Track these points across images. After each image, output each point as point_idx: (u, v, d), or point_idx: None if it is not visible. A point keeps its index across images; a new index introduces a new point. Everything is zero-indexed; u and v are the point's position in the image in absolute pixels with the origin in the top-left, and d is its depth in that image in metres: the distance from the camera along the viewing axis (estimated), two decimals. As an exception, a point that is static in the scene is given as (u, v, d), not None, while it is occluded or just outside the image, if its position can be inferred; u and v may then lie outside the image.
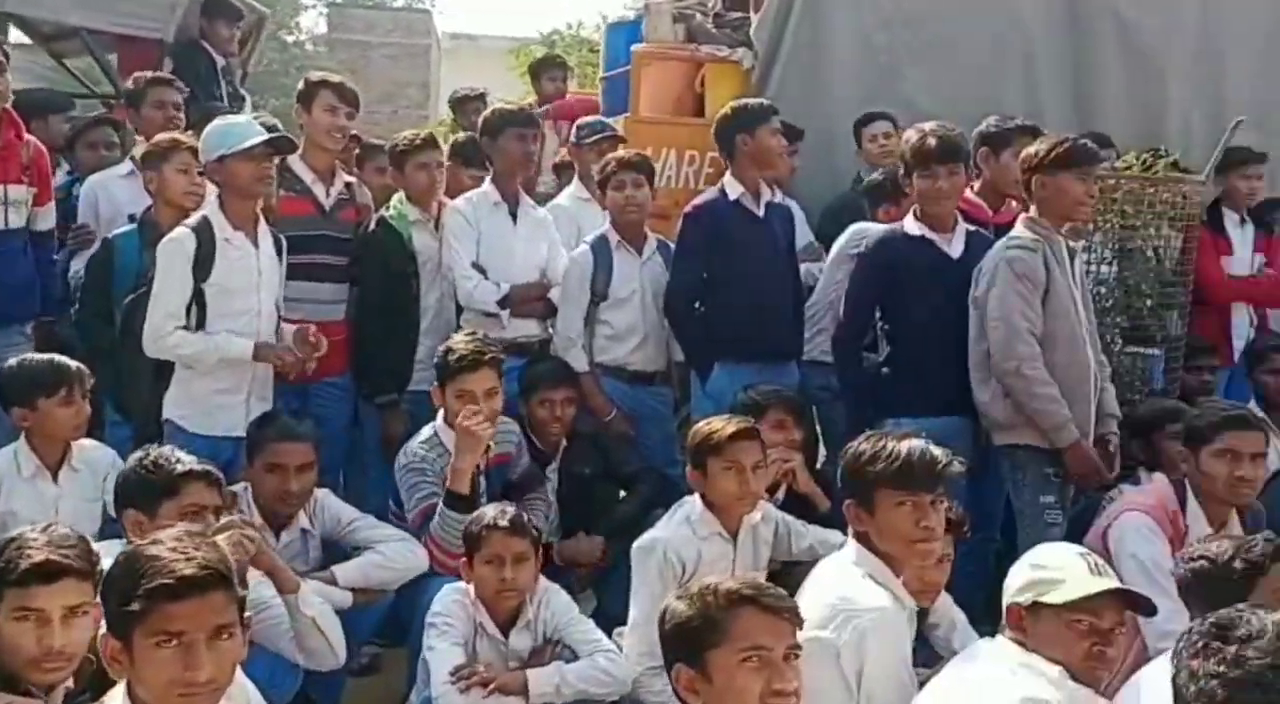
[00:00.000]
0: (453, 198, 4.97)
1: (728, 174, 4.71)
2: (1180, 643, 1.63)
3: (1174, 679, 1.61)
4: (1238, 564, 2.86)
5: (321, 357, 4.25)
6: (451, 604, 3.40)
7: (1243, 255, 5.83)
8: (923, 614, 3.24)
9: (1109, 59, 6.17)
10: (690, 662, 2.28)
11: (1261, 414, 4.50)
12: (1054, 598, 2.60)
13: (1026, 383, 3.93)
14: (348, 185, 4.82)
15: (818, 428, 4.83)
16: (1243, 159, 5.76)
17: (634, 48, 6.36)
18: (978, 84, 5.94)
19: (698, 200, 4.77)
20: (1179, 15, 6.26)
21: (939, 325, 4.17)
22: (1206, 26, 6.27)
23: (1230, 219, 5.87)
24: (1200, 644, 1.58)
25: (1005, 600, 2.71)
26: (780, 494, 4.14)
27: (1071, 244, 4.15)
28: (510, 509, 3.48)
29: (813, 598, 2.90)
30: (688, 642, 2.29)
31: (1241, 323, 5.78)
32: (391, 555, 3.79)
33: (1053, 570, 2.67)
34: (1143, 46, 6.19)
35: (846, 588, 2.87)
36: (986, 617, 3.33)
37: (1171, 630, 3.07)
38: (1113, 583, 2.68)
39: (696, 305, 4.67)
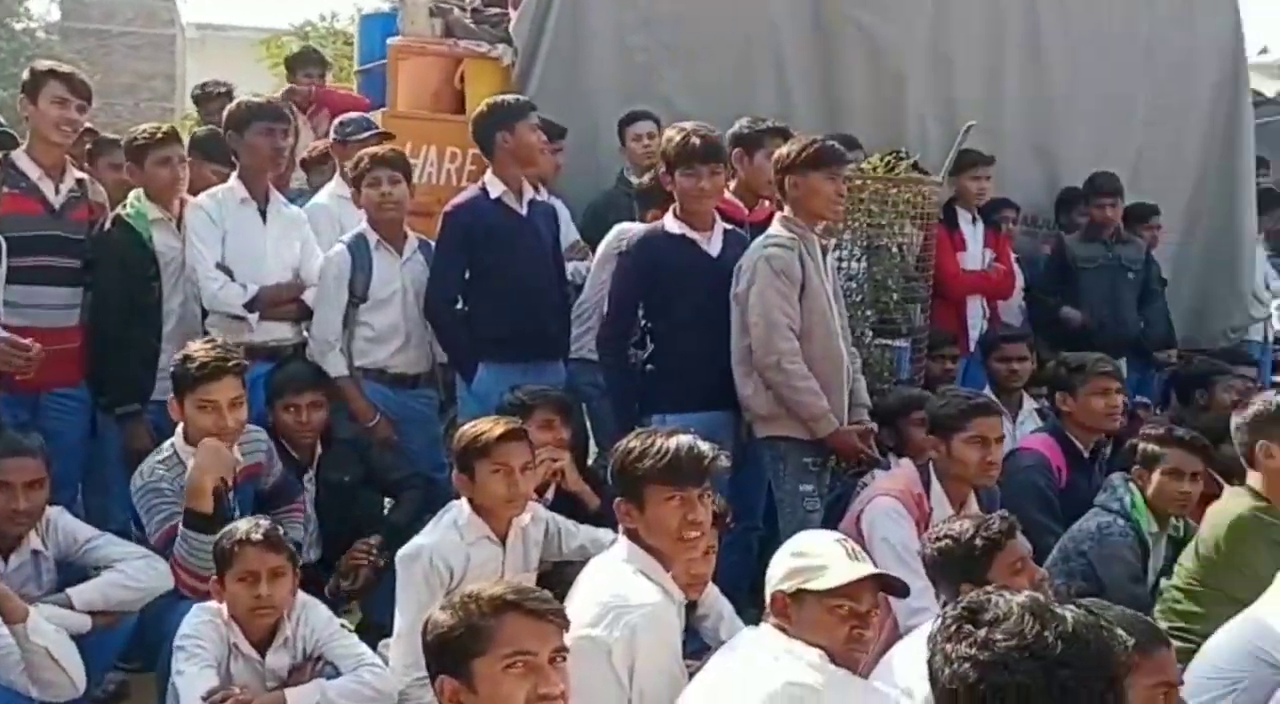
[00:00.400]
0: (195, 196, 4.72)
1: (489, 172, 4.65)
2: (934, 627, 1.69)
3: (930, 662, 1.66)
4: (978, 542, 3.02)
5: (47, 364, 3.95)
6: (201, 625, 3.21)
7: (975, 251, 6.25)
8: (691, 606, 3.29)
9: (853, 64, 6.43)
10: (454, 672, 2.23)
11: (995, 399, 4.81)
12: (817, 585, 2.67)
13: (787, 376, 4.05)
14: (79, 182, 4.50)
15: (588, 426, 4.84)
16: (973, 161, 6.16)
17: (390, 41, 6.21)
18: (732, 86, 6.08)
19: (458, 198, 4.70)
20: (913, 24, 6.58)
21: (700, 322, 4.24)
22: (937, 35, 6.63)
23: (963, 217, 6.27)
24: (953, 628, 1.63)
25: (768, 589, 2.77)
26: (550, 494, 4.12)
27: (824, 241, 4.30)
28: (264, 522, 3.31)
29: (585, 597, 2.91)
30: (451, 652, 2.24)
31: (975, 314, 6.19)
32: (133, 574, 3.56)
33: (814, 558, 2.74)
34: (882, 53, 6.47)
35: (618, 585, 2.88)
36: (752, 604, 3.41)
37: (921, 608, 3.27)
38: (870, 568, 2.78)
39: (459, 305, 4.60)
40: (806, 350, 4.10)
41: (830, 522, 3.96)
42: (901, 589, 2.82)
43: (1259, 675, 2.94)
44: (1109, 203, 6.46)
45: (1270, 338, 7.55)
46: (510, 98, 4.84)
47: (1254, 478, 3.74)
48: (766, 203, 4.66)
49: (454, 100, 6.15)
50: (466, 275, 4.58)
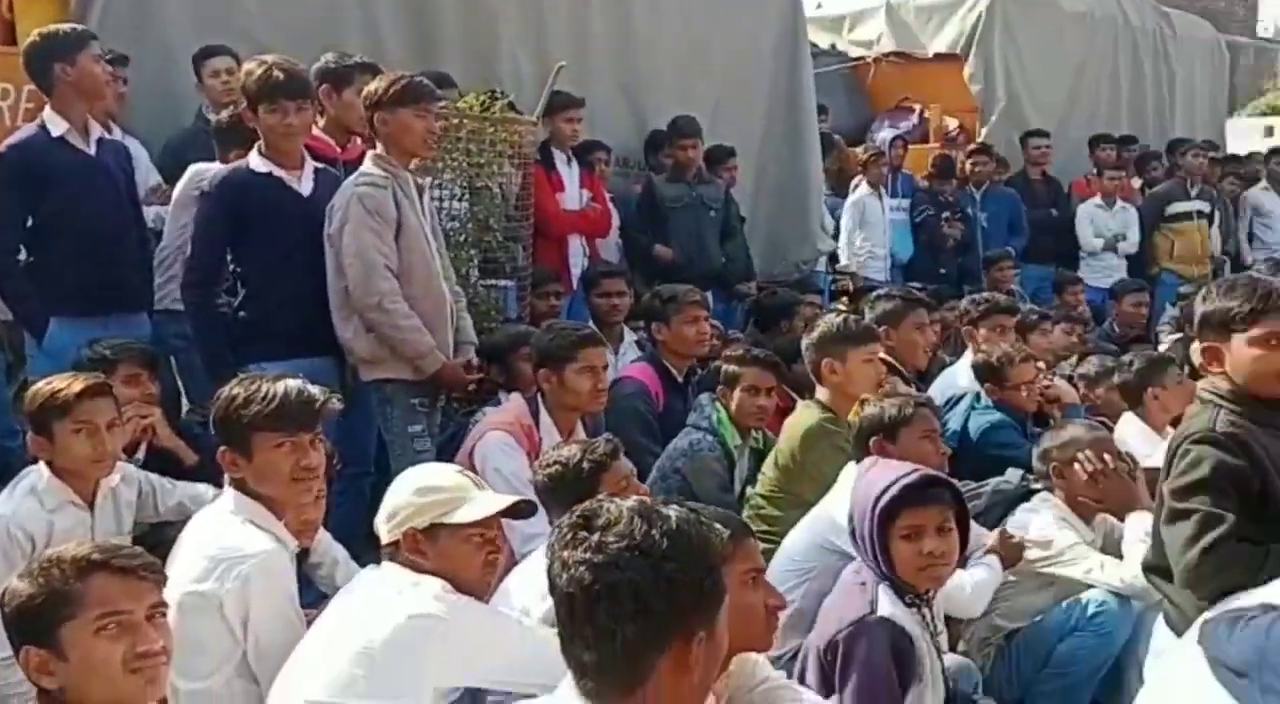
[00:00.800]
0: None
1: (48, 108, 4.25)
2: (552, 537, 1.75)
3: (549, 571, 1.72)
4: (585, 464, 3.15)
5: None
6: None
7: (572, 192, 6.45)
8: (304, 556, 3.21)
9: (445, 1, 6.37)
10: (40, 642, 2.08)
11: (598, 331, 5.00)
12: (461, 517, 2.67)
13: (389, 316, 4.01)
14: None
15: (178, 380, 4.57)
16: (565, 103, 6.31)
17: (-86, -38, 5.45)
18: (317, 20, 5.87)
19: (12, 138, 4.29)
20: (503, -39, 6.62)
21: (294, 265, 4.11)
22: (526, -27, 6.71)
23: (559, 158, 6.43)
24: (569, 536, 1.71)
25: (390, 528, 2.72)
26: (141, 453, 3.87)
27: (419, 180, 4.26)
28: None
29: (191, 552, 2.81)
30: (34, 621, 2.09)
31: (577, 253, 6.40)
32: None
33: (446, 492, 2.73)
34: (473, -10, 6.47)
35: (226, 537, 2.80)
36: (368, 549, 3.36)
37: (535, 534, 3.37)
38: (512, 497, 2.84)
39: (22, 256, 4.20)
40: (407, 290, 4.07)
41: (443, 460, 3.97)
42: (529, 510, 2.89)
43: (827, 562, 3.29)
44: (690, 144, 6.84)
45: (828, 268, 8.35)
46: (67, 27, 4.45)
47: (821, 392, 4.15)
48: (359, 141, 4.55)
49: (2, 30, 5.52)
50: (29, 223, 4.19)
